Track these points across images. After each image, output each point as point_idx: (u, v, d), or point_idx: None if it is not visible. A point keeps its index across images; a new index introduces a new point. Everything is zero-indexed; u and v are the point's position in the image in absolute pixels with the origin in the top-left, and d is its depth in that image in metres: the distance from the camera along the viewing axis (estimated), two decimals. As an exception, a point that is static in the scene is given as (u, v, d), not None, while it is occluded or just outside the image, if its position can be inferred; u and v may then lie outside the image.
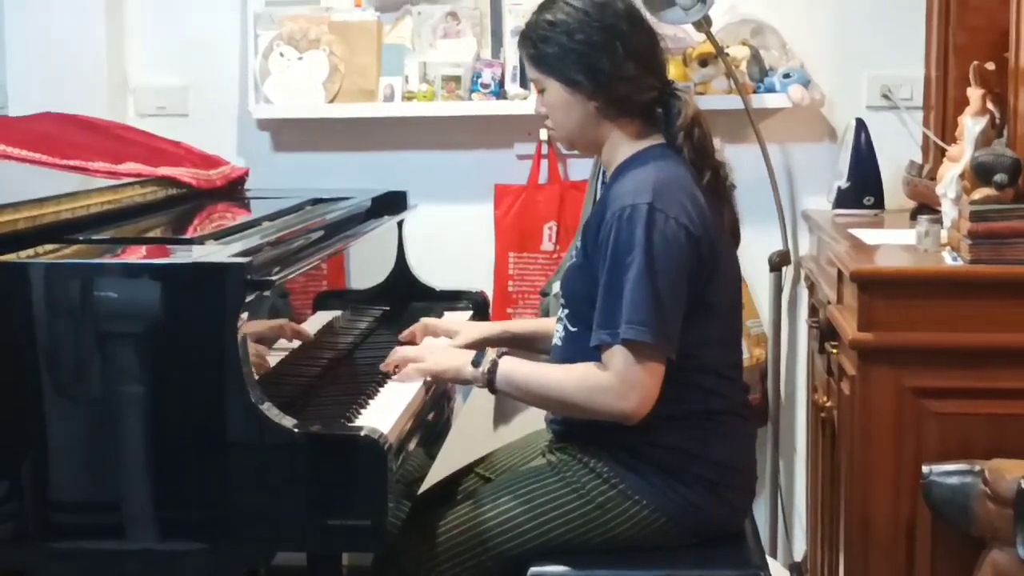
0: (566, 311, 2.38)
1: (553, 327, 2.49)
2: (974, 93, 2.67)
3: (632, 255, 2.18)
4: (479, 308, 3.10)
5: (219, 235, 2.29)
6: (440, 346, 2.53)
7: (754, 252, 3.39)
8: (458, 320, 2.80)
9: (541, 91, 2.37)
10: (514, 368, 2.32)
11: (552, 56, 2.31)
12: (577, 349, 2.30)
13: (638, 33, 2.33)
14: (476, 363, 2.33)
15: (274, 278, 2.10)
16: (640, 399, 2.19)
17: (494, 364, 2.31)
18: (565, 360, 2.35)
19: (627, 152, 2.35)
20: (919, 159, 3.42)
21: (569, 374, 2.27)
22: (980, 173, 2.50)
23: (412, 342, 2.66)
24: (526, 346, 2.72)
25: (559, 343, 2.41)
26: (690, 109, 2.33)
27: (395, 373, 2.42)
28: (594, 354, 2.23)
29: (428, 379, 2.40)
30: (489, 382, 2.31)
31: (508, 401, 2.56)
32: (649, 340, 2.16)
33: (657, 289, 2.17)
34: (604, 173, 2.68)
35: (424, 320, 2.72)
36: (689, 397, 2.26)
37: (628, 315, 2.16)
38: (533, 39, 2.34)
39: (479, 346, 2.62)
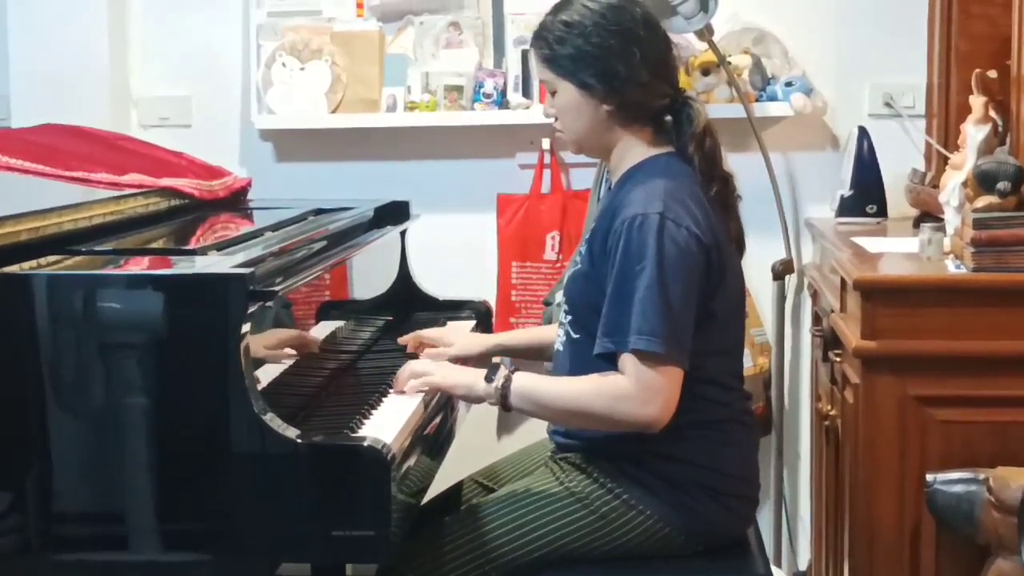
0: (568, 318, 2.37)
1: (550, 335, 2.49)
2: (976, 101, 2.67)
3: (643, 264, 2.16)
4: (482, 318, 3.10)
5: (222, 246, 2.29)
6: (449, 364, 2.50)
7: (757, 261, 3.39)
8: (453, 332, 2.78)
9: (552, 92, 2.35)
10: (529, 383, 2.27)
11: (567, 58, 2.29)
12: (579, 356, 2.30)
13: (653, 39, 2.31)
14: (489, 379, 2.28)
15: (277, 289, 2.09)
16: (662, 405, 2.17)
17: (507, 380, 2.26)
18: (568, 367, 2.34)
19: (635, 159, 2.34)
20: (922, 167, 3.42)
21: (588, 385, 2.23)
22: (983, 181, 2.49)
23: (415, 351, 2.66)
24: (525, 356, 2.72)
25: (561, 348, 2.40)
26: (702, 118, 2.32)
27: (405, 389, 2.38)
28: (597, 362, 2.22)
29: (435, 396, 2.38)
30: (503, 397, 2.26)
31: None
32: (660, 350, 2.15)
33: (668, 298, 2.16)
34: (608, 181, 2.68)
35: (416, 332, 2.70)
36: (692, 407, 2.24)
37: (638, 325, 2.15)
38: (548, 40, 2.32)
39: (475, 359, 2.62)
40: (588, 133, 2.34)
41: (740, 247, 2.40)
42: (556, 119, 2.37)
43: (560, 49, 2.30)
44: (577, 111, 2.32)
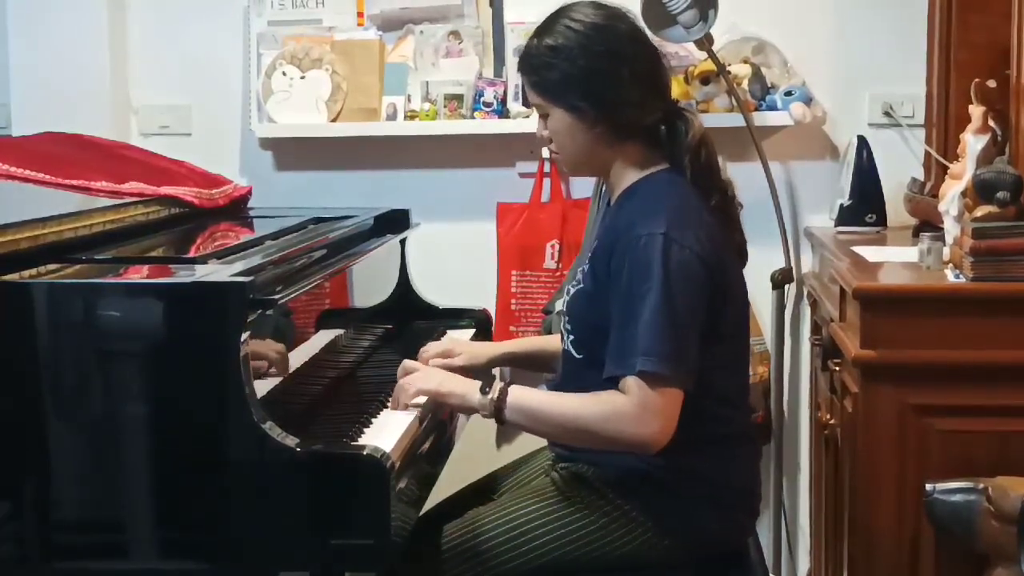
0: (571, 337, 2.35)
1: (556, 345, 2.48)
2: (976, 110, 2.67)
3: (648, 285, 2.14)
4: (482, 326, 3.10)
5: (221, 254, 2.29)
6: (446, 372, 2.49)
7: (756, 270, 3.35)
8: (458, 344, 2.77)
9: (544, 116, 2.33)
10: (525, 397, 2.26)
11: (554, 82, 2.27)
12: (583, 376, 2.27)
13: (641, 54, 2.29)
14: (484, 391, 2.27)
15: (277, 297, 2.10)
16: (661, 426, 2.15)
17: (503, 392, 2.25)
18: (572, 387, 2.30)
19: (633, 176, 2.32)
20: (921, 176, 3.42)
21: (585, 402, 2.21)
22: (982, 190, 2.50)
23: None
24: (530, 366, 2.71)
25: (564, 368, 2.39)
26: (696, 130, 2.29)
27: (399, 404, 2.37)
28: (601, 382, 2.20)
29: (430, 403, 2.38)
30: (498, 410, 2.24)
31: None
32: (666, 372, 2.13)
33: (674, 320, 2.14)
34: (607, 194, 2.67)
35: (422, 352, 2.66)
36: (696, 421, 2.22)
37: (645, 347, 2.13)
38: (534, 65, 2.30)
39: (483, 368, 2.61)
40: (583, 154, 2.32)
41: (742, 256, 2.40)
42: (551, 141, 2.35)
43: (547, 74, 2.28)
44: (570, 134, 2.29)
